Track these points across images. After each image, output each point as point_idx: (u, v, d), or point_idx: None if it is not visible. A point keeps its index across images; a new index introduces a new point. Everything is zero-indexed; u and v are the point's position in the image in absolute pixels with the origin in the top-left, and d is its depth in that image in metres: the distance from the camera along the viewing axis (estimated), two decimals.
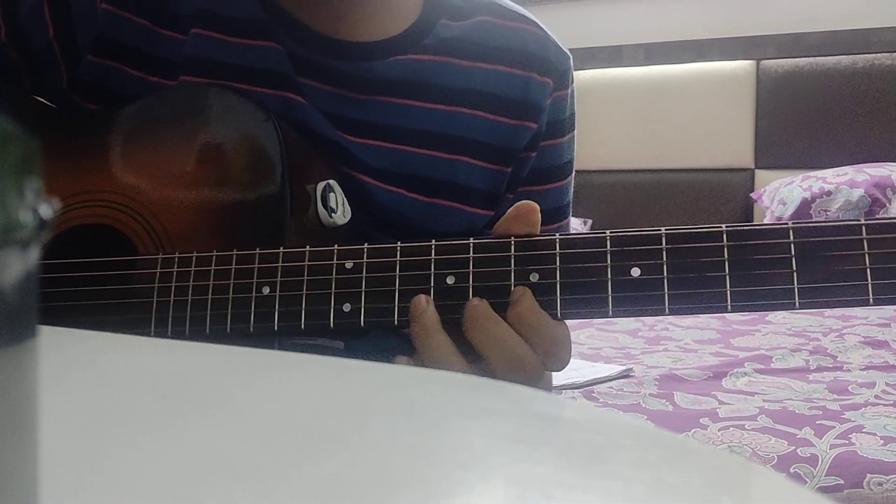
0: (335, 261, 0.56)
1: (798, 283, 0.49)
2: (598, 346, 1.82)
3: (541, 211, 0.55)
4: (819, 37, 2.65)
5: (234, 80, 0.67)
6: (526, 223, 0.54)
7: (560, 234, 0.54)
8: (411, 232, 0.69)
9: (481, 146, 0.72)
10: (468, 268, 0.54)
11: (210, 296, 0.57)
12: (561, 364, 0.55)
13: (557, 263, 0.53)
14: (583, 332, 1.93)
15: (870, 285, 0.48)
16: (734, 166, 2.76)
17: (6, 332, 0.15)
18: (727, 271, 0.50)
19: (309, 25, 0.70)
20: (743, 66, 2.75)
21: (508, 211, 0.55)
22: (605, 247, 0.52)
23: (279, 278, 0.56)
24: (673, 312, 0.51)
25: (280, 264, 0.57)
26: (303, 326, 0.56)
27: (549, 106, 0.74)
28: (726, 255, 0.50)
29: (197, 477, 0.23)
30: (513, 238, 0.54)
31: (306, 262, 0.56)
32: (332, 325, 0.55)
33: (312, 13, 0.70)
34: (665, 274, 0.51)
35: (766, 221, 2.50)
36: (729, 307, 0.50)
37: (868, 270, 0.48)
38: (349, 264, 0.56)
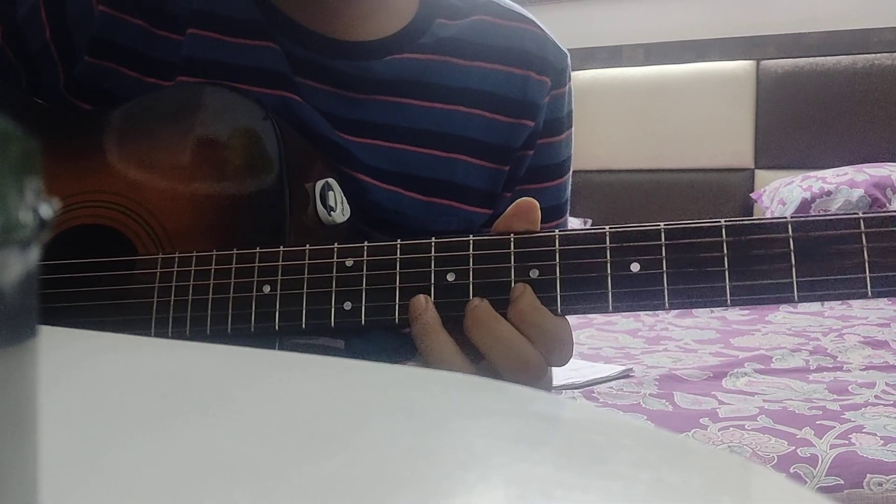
0: (335, 259, 0.56)
1: (797, 277, 0.50)
2: (598, 346, 1.82)
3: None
4: (819, 37, 2.65)
5: (231, 80, 0.67)
6: (526, 220, 0.54)
7: (559, 231, 0.54)
8: (409, 231, 0.69)
9: (479, 145, 0.72)
10: (468, 265, 0.54)
11: (210, 295, 0.57)
12: (563, 360, 0.55)
13: (557, 260, 0.53)
14: (583, 332, 1.93)
15: (868, 278, 0.49)
16: (734, 166, 2.76)
17: (6, 332, 0.15)
18: (726, 266, 0.51)
19: (305, 25, 0.70)
20: (743, 66, 2.75)
21: (508, 208, 0.55)
22: (605, 242, 0.52)
23: (280, 277, 0.56)
24: (672, 307, 0.51)
25: (280, 263, 0.57)
26: (304, 325, 0.56)
27: (547, 104, 0.74)
28: (725, 250, 0.51)
29: (197, 477, 0.23)
30: (512, 235, 0.54)
31: (307, 261, 0.56)
32: (332, 323, 0.55)
33: (307, 13, 0.70)
34: (664, 269, 0.51)
35: None
36: (728, 301, 0.50)
37: (866, 263, 0.49)
38: (350, 262, 0.56)
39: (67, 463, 0.24)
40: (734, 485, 0.24)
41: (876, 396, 1.36)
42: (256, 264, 0.57)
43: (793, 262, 0.50)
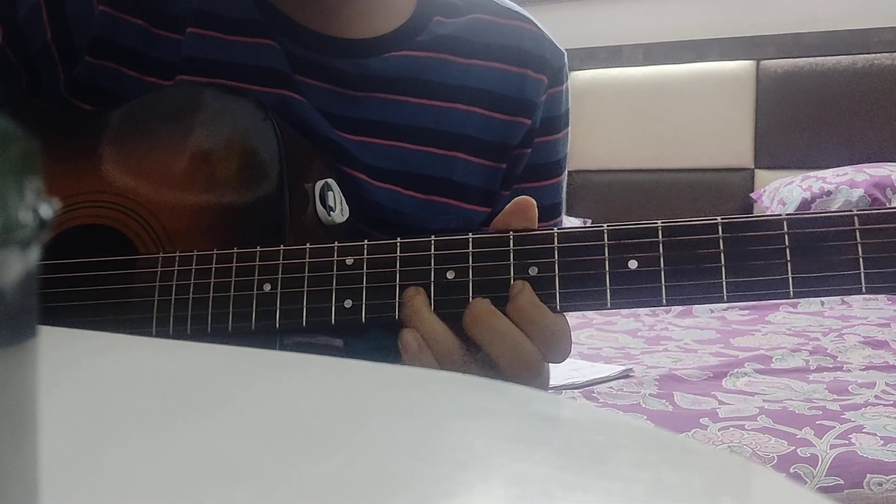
0: (336, 257, 0.56)
1: (792, 273, 0.50)
2: (598, 346, 1.82)
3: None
4: (819, 37, 2.65)
5: (231, 79, 0.67)
6: (523, 218, 0.55)
7: (558, 229, 0.54)
8: (408, 230, 0.69)
9: (477, 142, 0.72)
10: (467, 262, 0.54)
11: (211, 294, 0.57)
12: (561, 356, 0.55)
13: (556, 257, 0.53)
14: (583, 332, 1.93)
15: (862, 274, 0.49)
16: (734, 166, 2.76)
17: (6, 332, 0.15)
18: (723, 262, 0.51)
19: (304, 24, 0.70)
20: (743, 66, 2.74)
21: (507, 206, 0.56)
22: (603, 240, 0.53)
23: (280, 275, 0.57)
24: (670, 303, 0.52)
25: (281, 262, 0.57)
26: (304, 323, 0.56)
27: (544, 103, 0.74)
28: (722, 247, 0.51)
29: (197, 477, 0.23)
30: (511, 233, 0.54)
31: (307, 259, 0.57)
32: (333, 321, 0.56)
33: (306, 11, 0.70)
34: (662, 266, 0.52)
35: None
36: (724, 297, 0.51)
37: (860, 260, 0.50)
38: (350, 260, 0.56)
39: (67, 463, 0.24)
40: (734, 485, 0.24)
41: (876, 396, 1.36)
42: (257, 263, 0.57)
43: (788, 258, 0.50)
